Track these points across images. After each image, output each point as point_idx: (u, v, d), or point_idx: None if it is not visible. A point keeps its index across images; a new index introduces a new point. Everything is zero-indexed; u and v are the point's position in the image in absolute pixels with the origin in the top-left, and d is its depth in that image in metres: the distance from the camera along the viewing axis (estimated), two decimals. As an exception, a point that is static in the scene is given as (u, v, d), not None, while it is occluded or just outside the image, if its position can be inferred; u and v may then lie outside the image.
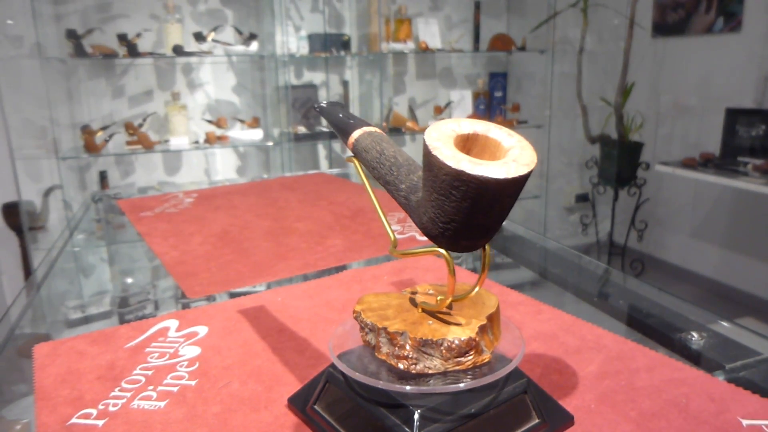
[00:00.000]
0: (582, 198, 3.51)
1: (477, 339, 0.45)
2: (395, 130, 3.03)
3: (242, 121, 2.95)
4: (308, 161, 3.16)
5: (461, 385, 0.44)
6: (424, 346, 0.45)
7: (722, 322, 0.68)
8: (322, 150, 3.18)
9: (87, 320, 0.94)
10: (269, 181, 1.49)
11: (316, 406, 0.51)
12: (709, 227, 2.92)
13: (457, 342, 0.45)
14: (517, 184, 0.41)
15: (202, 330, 0.70)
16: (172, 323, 0.72)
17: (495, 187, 0.40)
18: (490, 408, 0.46)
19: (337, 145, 3.16)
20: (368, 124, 0.55)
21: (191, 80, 2.89)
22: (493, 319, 0.49)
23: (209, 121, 2.90)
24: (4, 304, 2.71)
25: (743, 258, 2.76)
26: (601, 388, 0.55)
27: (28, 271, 2.60)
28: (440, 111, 3.17)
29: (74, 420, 0.53)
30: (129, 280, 1.00)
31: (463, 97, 3.20)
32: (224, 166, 3.05)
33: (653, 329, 0.70)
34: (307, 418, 0.51)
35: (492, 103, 3.23)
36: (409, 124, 3.04)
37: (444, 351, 0.45)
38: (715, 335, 0.65)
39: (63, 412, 0.55)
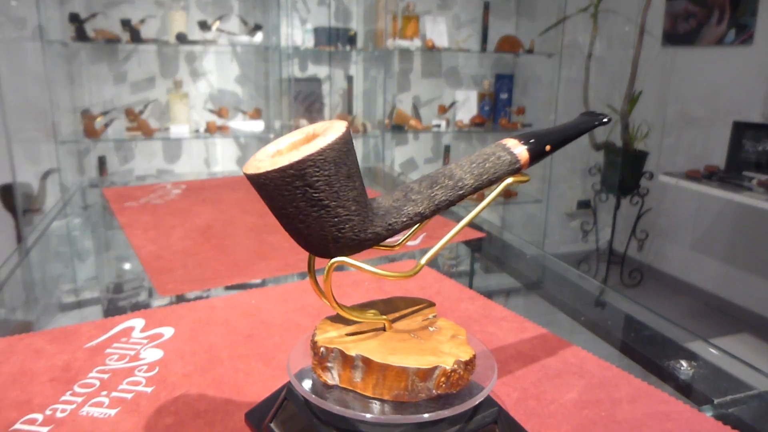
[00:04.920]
0: (584, 204, 3.47)
1: (448, 371, 0.41)
2: (398, 128, 3.00)
3: (244, 112, 2.92)
4: (309, 156, 3.12)
5: (425, 415, 0.41)
6: (386, 371, 0.42)
7: (713, 350, 0.64)
8: (323, 145, 3.14)
9: (76, 305, 0.92)
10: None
11: (272, 425, 0.48)
12: (710, 240, 2.88)
13: (422, 372, 0.41)
14: (287, 180, 0.37)
15: (167, 331, 0.67)
16: (138, 323, 0.69)
17: (257, 182, 0.38)
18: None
19: (338, 141, 3.13)
20: None
21: (194, 69, 2.86)
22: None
23: (211, 111, 2.87)
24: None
25: (743, 273, 2.72)
26: (579, 418, 0.51)
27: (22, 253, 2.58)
28: (444, 110, 3.13)
29: (18, 425, 0.50)
30: (126, 266, 0.97)
31: (468, 98, 3.16)
32: (224, 157, 3.02)
33: (642, 354, 0.67)
34: (262, 437, 0.48)
35: (497, 104, 3.19)
36: (413, 122, 3.00)
37: (409, 382, 0.41)
38: (706, 365, 0.62)
39: (7, 416, 0.52)
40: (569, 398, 0.54)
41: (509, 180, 0.46)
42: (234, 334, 0.66)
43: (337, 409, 0.41)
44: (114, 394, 0.55)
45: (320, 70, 3.02)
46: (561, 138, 0.48)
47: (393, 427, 0.41)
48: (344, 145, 0.38)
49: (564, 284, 0.90)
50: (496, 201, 3.19)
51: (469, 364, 0.42)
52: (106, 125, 2.66)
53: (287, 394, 0.48)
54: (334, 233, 0.40)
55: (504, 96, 3.18)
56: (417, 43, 2.91)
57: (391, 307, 0.51)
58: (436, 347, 0.43)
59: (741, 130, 2.51)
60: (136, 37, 2.57)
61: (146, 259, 0.88)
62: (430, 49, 2.91)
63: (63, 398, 0.54)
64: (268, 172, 0.37)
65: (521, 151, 0.46)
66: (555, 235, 3.50)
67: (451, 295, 0.77)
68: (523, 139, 0.47)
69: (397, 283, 0.81)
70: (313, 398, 0.42)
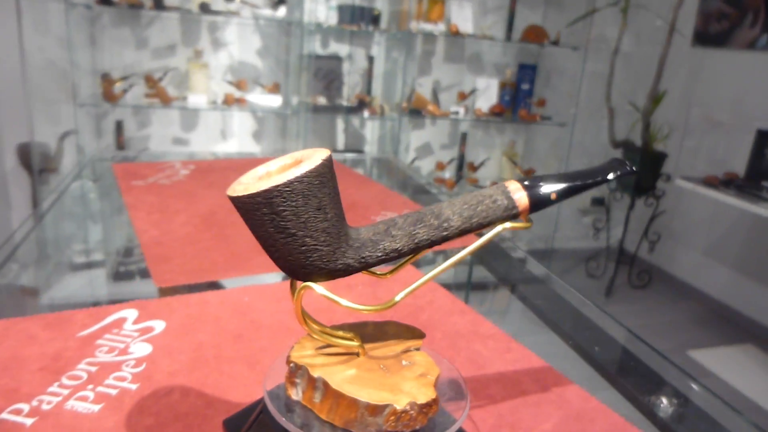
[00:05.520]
0: (597, 202, 3.44)
1: (408, 410, 0.42)
2: (415, 112, 2.98)
3: (262, 86, 2.92)
4: (325, 134, 3.12)
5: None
6: (339, 399, 0.42)
7: (695, 387, 0.64)
8: (340, 123, 3.13)
9: (85, 266, 0.96)
10: (272, 159, 1.46)
11: (247, 436, 0.49)
12: (723, 248, 2.84)
13: (389, 409, 0.41)
14: (256, 207, 0.39)
15: (159, 325, 0.68)
16: (131, 314, 0.70)
17: (234, 203, 0.40)
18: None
19: (356, 121, 3.12)
20: None
21: (215, 39, 2.85)
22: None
23: (229, 82, 2.87)
24: (14, 242, 2.76)
25: (752, 283, 2.69)
26: (550, 451, 0.52)
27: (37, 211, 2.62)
28: (464, 97, 3.10)
29: (4, 415, 0.52)
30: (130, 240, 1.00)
31: (489, 86, 3.12)
32: (240, 130, 3.02)
33: (625, 385, 0.67)
34: (236, 447, 0.49)
35: (518, 95, 3.15)
36: (431, 107, 2.97)
37: (359, 414, 0.42)
38: (686, 403, 0.62)
39: (-4, 404, 0.53)
40: (544, 429, 0.55)
41: (506, 225, 0.44)
42: (223, 333, 0.68)
43: (290, 426, 0.42)
44: (99, 388, 0.56)
45: (341, 49, 2.99)
46: (573, 187, 0.45)
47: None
48: (316, 177, 0.39)
49: (559, 303, 0.90)
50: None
51: (425, 407, 0.41)
52: (125, 90, 2.67)
53: (263, 407, 0.49)
54: (302, 260, 0.41)
55: (525, 87, 3.14)
56: (441, 27, 2.87)
57: (380, 332, 0.51)
58: (397, 384, 0.43)
59: (764, 138, 2.46)
60: (159, 3, 2.57)
61: (147, 244, 0.90)
62: (453, 35, 2.87)
63: (50, 389, 0.56)
64: (240, 197, 0.39)
65: (521, 196, 0.44)
66: (566, 230, 3.48)
67: (442, 306, 0.78)
68: (528, 183, 0.44)
69: (390, 294, 0.81)
70: (277, 415, 0.43)
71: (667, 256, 3.22)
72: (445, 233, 0.42)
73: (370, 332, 0.51)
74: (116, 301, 0.73)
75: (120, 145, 2.80)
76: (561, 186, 0.44)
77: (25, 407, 0.53)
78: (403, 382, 0.43)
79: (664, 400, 0.62)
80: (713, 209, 2.86)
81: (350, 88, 3.07)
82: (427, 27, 2.84)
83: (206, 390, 0.57)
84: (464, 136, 3.24)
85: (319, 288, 0.43)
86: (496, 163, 3.37)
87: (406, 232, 0.42)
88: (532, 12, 3.12)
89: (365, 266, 0.43)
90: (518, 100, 3.15)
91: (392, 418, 0.40)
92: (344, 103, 2.98)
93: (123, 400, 0.55)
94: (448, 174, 3.24)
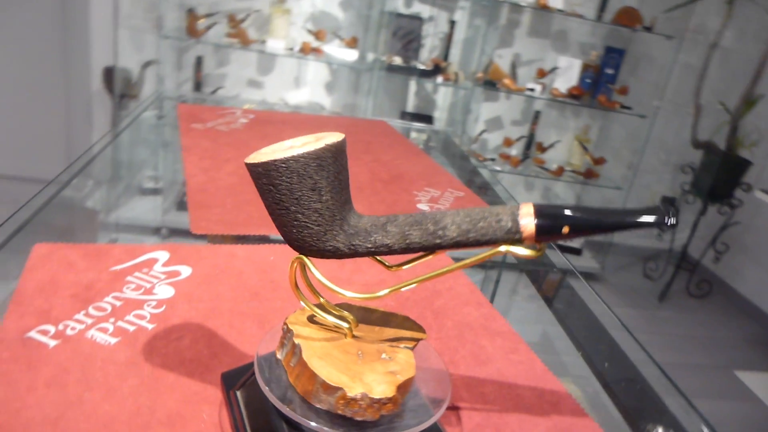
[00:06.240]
0: (668, 201, 3.28)
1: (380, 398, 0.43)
2: (490, 83, 2.90)
3: (341, 38, 2.91)
4: (395, 94, 3.10)
5: (373, 429, 0.43)
6: (305, 369, 0.44)
7: (695, 417, 0.62)
8: (413, 86, 3.10)
9: (152, 191, 1.05)
10: (329, 118, 1.48)
11: (238, 392, 0.52)
12: (795, 271, 2.67)
13: (351, 396, 0.42)
14: (258, 175, 0.42)
15: (185, 271, 0.72)
16: (163, 256, 0.74)
17: (248, 170, 0.43)
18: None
19: (429, 85, 3.08)
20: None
21: (300, -15, 2.85)
22: (402, 387, 0.45)
23: (309, 31, 2.88)
24: (90, 157, 2.94)
25: (821, 314, 2.52)
26: (527, 459, 0.52)
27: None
28: (543, 74, 2.99)
29: (32, 333, 0.57)
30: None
31: (571, 66, 2.99)
32: (314, 80, 3.05)
33: (626, 408, 0.66)
34: (227, 401, 0.53)
35: (600, 79, 3.00)
36: (507, 81, 2.89)
37: (315, 388, 0.43)
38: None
39: (28, 321, 0.59)
40: (527, 437, 0.55)
41: (510, 249, 0.42)
42: (242, 288, 0.71)
43: (285, 410, 0.44)
44: (120, 323, 0.61)
45: (424, 10, 2.93)
46: (593, 225, 0.40)
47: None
48: (314, 160, 0.41)
49: (583, 310, 0.88)
50: (575, 179, 3.07)
51: (377, 402, 0.42)
52: (208, 27, 2.74)
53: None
54: (294, 233, 0.44)
55: (610, 71, 2.99)
56: (530, -2, 2.75)
57: (383, 320, 0.52)
58: (361, 373, 0.44)
59: None
60: (250, -56, 2.58)
61: (192, 189, 0.94)
62: (541, 8, 2.75)
63: (77, 316, 0.61)
64: (248, 164, 0.42)
65: (528, 222, 0.41)
66: (629, 225, 3.35)
67: (460, 294, 0.78)
68: (543, 210, 0.41)
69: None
70: (266, 389, 0.45)
71: (732, 269, 3.06)
72: (438, 241, 0.42)
73: (373, 318, 0.53)
74: (166, 233, 0.79)
75: (198, 80, 2.89)
76: (579, 221, 0.40)
77: (51, 329, 0.58)
78: (368, 373, 0.44)
79: (660, 430, 0.61)
80: (792, 228, 2.68)
81: (428, 51, 3.02)
82: (516, -3, 2.74)
83: (215, 341, 0.61)
84: (537, 115, 3.15)
85: (309, 263, 0.45)
86: (566, 147, 3.26)
87: (401, 231, 0.43)
88: (629, -8, 2.94)
89: (354, 254, 0.44)
90: (600, 85, 3.01)
91: (341, 401, 0.42)
92: (419, 65, 2.94)
93: (138, 338, 0.59)
94: (515, 151, 3.17)
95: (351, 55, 2.88)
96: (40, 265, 0.68)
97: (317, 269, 0.46)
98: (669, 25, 2.78)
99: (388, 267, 0.51)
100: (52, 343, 0.56)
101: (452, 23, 2.93)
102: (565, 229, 0.40)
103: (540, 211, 0.41)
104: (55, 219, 1.02)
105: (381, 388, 0.42)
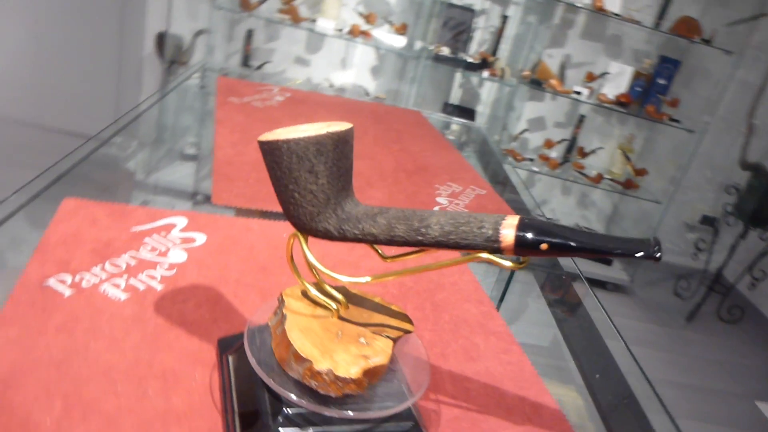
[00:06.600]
0: (708, 221, 3.19)
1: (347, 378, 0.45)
2: (536, 82, 2.86)
3: (391, 24, 2.92)
4: (440, 84, 3.09)
5: (331, 407, 0.45)
6: (284, 337, 0.47)
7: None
8: (458, 78, 3.08)
9: (192, 158, 1.10)
10: (364, 104, 1.50)
11: (230, 357, 0.55)
12: (833, 307, 2.57)
13: (319, 371, 0.45)
14: (264, 152, 0.45)
15: (200, 238, 0.75)
16: (181, 221, 0.78)
17: (262, 150, 0.45)
18: (360, 437, 0.47)
19: (474, 78, 3.05)
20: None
21: (356, -34, 2.86)
22: (375, 372, 0.47)
23: (360, 14, 2.89)
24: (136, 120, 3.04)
25: None
26: (498, 457, 0.54)
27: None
28: (592, 78, 2.93)
29: (50, 281, 0.61)
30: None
31: (622, 72, 2.92)
32: (360, 63, 3.06)
33: (610, 423, 0.66)
34: (219, 364, 0.56)
35: (651, 88, 2.93)
36: (554, 81, 2.85)
37: (289, 355, 0.46)
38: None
39: (48, 270, 0.63)
40: (502, 435, 0.56)
41: (490, 257, 0.43)
42: (251, 261, 0.74)
43: (266, 378, 0.47)
44: (132, 280, 0.64)
45: (477, 2, 2.91)
46: (574, 247, 0.40)
47: (308, 414, 0.46)
48: (313, 145, 0.44)
49: (584, 319, 0.88)
50: (613, 188, 3.01)
51: (341, 380, 0.44)
52: (261, 2, 2.78)
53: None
54: (291, 210, 0.47)
55: (662, 82, 2.91)
56: (587, 0, 2.70)
57: (378, 309, 0.54)
58: (334, 350, 0.46)
59: None
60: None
61: (219, 161, 0.97)
62: (597, 10, 2.69)
63: (94, 269, 0.65)
64: (259, 142, 0.46)
65: (508, 234, 0.41)
66: (665, 241, 3.28)
67: (462, 290, 0.79)
68: (526, 223, 0.42)
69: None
70: (252, 359, 0.48)
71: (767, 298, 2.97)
72: (420, 238, 0.44)
73: (366, 305, 0.55)
74: (201, 199, 0.82)
75: (246, 53, 2.94)
76: (561, 241, 0.40)
77: (68, 279, 0.62)
78: (341, 352, 0.46)
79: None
80: (835, 262, 2.58)
81: (477, 44, 2.99)
82: (572, -3, 2.68)
83: (217, 308, 0.64)
84: (582, 119, 3.09)
85: (302, 240, 0.49)
86: (608, 154, 3.20)
87: (388, 223, 0.45)
88: (690, 2, 2.84)
89: (343, 238, 0.46)
90: (650, 95, 2.93)
91: (308, 373, 0.45)
92: (467, 58, 2.92)
93: (146, 296, 0.63)
94: (555, 154, 3.13)
95: (399, 41, 2.88)
96: (67, 218, 0.73)
97: (310, 248, 0.49)
98: (729, 40, 2.69)
99: (384, 258, 0.52)
100: (68, 292, 0.60)
101: (504, 18, 2.90)
102: (544, 246, 0.40)
103: (523, 225, 0.41)
104: (95, 174, 1.07)
105: (347, 368, 0.44)
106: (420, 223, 0.44)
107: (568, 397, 0.69)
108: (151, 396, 0.51)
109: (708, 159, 3.06)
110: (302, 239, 0.49)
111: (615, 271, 3.10)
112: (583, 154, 3.11)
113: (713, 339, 2.91)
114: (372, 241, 0.46)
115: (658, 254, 0.39)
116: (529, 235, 0.41)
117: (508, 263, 0.43)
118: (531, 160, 3.08)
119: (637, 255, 0.39)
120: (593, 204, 3.37)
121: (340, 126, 0.47)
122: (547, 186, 3.28)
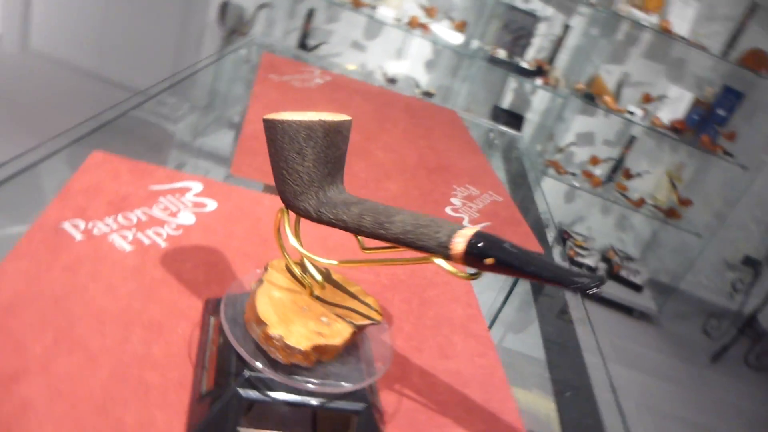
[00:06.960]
0: (750, 262, 3.09)
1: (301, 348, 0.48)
2: (590, 96, 2.82)
3: (451, 20, 2.92)
4: (492, 86, 3.07)
5: (296, 377, 0.49)
6: (253, 300, 0.50)
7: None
8: (511, 82, 3.06)
9: (235, 126, 1.14)
10: (400, 96, 1.52)
11: (212, 318, 0.59)
12: None
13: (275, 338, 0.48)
14: (265, 128, 0.49)
15: (211, 204, 0.80)
16: (197, 186, 0.82)
17: (267, 127, 0.49)
18: (314, 408, 0.50)
19: (527, 85, 3.02)
20: None
21: (425, -41, 2.86)
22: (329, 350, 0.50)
23: (422, 6, 2.90)
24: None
25: None
26: (446, 452, 0.56)
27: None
28: (649, 100, 2.86)
29: (65, 224, 0.66)
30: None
31: (680, 98, 2.84)
32: (416, 55, 3.08)
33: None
34: (202, 323, 0.60)
35: (709, 118, 2.84)
36: (608, 98, 2.80)
37: (253, 316, 0.50)
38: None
39: (65, 214, 0.68)
40: (456, 433, 0.58)
41: (440, 262, 0.44)
42: (255, 233, 0.77)
43: (234, 343, 0.50)
44: (139, 234, 0.69)
45: (541, 8, 2.87)
46: (519, 269, 0.40)
47: (268, 380, 0.50)
48: (304, 130, 0.48)
49: (570, 336, 0.88)
50: (654, 214, 2.94)
51: (289, 349, 0.47)
52: (326, -17, 2.82)
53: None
54: (280, 185, 0.51)
55: (721, 112, 2.81)
56: (653, 19, 2.63)
57: (357, 296, 0.57)
58: (292, 321, 0.50)
59: None
60: None
61: (245, 135, 1.01)
62: (663, 32, 2.63)
63: (107, 219, 0.70)
64: (263, 119, 0.50)
65: (459, 242, 0.42)
66: (701, 275, 3.19)
67: (453, 290, 0.81)
68: (481, 237, 0.42)
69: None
70: (226, 324, 0.52)
71: (800, 349, 2.86)
72: (382, 232, 0.46)
73: (344, 291, 0.58)
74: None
75: (305, 30, 2.99)
76: (507, 258, 0.40)
77: (82, 225, 0.67)
78: (298, 325, 0.49)
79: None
80: None
81: (534, 50, 2.96)
82: (638, 14, 2.62)
83: (213, 271, 0.68)
84: (632, 140, 3.03)
85: (290, 215, 0.53)
86: (654, 180, 3.12)
87: (359, 214, 0.47)
88: (763, 36, 2.73)
89: (320, 220, 0.50)
90: (707, 124, 2.85)
91: (263, 335, 0.49)
92: (523, 63, 2.89)
93: (149, 251, 0.67)
94: (599, 171, 3.07)
95: (456, 38, 2.88)
96: (92, 169, 0.78)
97: (291, 224, 0.52)
98: (798, 78, 2.58)
99: (363, 248, 0.55)
100: (79, 236, 0.65)
101: (566, 27, 2.86)
102: (489, 261, 0.40)
103: (476, 237, 0.42)
104: (139, 130, 1.13)
105: (299, 339, 0.47)
106: (386, 218, 0.46)
107: (536, 407, 0.70)
108: (134, 342, 0.55)
109: (759, 198, 2.95)
110: (287, 215, 0.52)
111: (644, 299, 3.04)
112: (629, 176, 3.05)
113: (736, 383, 2.82)
114: (342, 227, 0.48)
115: (596, 289, 0.38)
116: (478, 248, 0.41)
117: (456, 272, 0.44)
118: (574, 174, 3.04)
119: (573, 287, 0.39)
120: (632, 228, 3.30)
121: (339, 118, 0.50)
122: (587, 203, 3.23)
